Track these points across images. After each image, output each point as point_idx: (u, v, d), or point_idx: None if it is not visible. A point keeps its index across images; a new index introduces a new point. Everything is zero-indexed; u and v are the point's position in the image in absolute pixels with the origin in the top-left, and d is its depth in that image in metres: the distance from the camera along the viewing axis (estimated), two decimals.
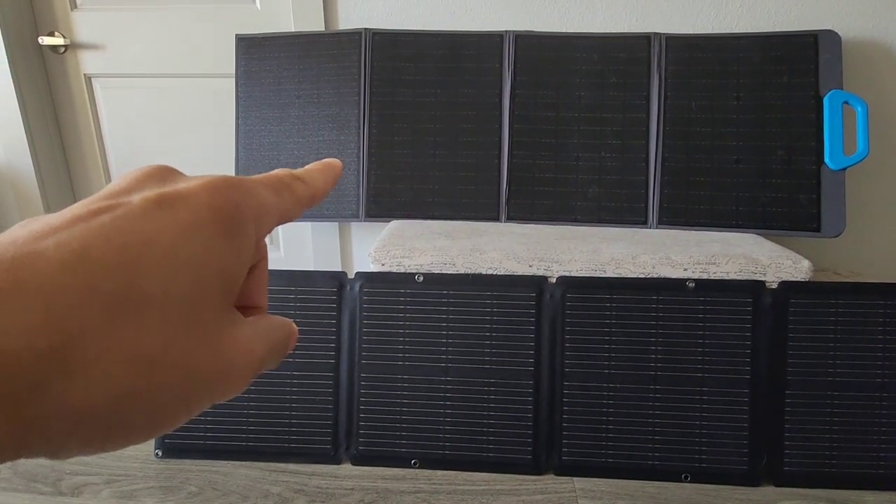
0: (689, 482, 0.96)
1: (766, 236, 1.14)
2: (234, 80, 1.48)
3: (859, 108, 1.13)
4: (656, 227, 1.20)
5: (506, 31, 1.27)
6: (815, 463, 0.93)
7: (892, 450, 0.86)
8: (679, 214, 1.19)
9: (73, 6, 1.47)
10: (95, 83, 1.54)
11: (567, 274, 0.99)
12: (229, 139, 1.54)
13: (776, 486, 0.95)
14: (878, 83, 1.29)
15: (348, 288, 1.02)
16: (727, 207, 1.18)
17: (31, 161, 1.49)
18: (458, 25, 1.33)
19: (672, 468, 0.96)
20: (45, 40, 1.45)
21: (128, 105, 1.55)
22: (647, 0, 1.30)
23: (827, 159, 1.14)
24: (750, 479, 0.95)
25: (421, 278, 0.99)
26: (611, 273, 0.98)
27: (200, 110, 1.54)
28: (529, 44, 1.26)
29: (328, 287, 1.02)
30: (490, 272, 1.00)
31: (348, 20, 1.35)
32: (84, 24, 1.48)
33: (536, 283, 0.98)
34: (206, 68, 1.49)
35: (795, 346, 0.94)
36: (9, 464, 0.98)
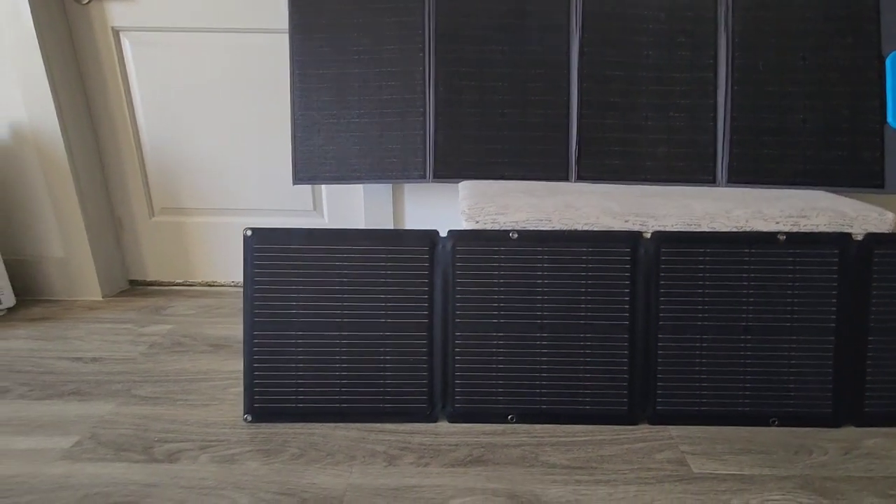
0: (777, 426, 1.00)
1: (831, 192, 1.18)
2: (274, 35, 1.42)
3: None
4: (725, 186, 1.23)
5: None
6: (894, 403, 0.98)
7: None
8: (747, 173, 1.22)
9: None
10: (124, 38, 1.43)
11: (662, 229, 1.00)
12: (270, 99, 1.47)
13: (857, 426, 1.00)
14: None
15: (440, 246, 1.01)
16: (794, 165, 1.21)
17: (57, 122, 1.39)
18: None
19: (761, 413, 1.00)
20: None
21: (160, 62, 1.45)
22: None
23: (890, 118, 1.18)
24: (834, 420, 1.00)
25: (515, 235, 0.99)
26: (705, 227, 0.99)
27: (239, 68, 1.46)
28: (597, 0, 1.25)
29: (420, 246, 1.00)
30: (586, 227, 1.00)
31: None
32: None
33: (631, 238, 0.99)
34: (246, 23, 1.41)
35: (878, 293, 0.98)
36: (89, 434, 0.94)
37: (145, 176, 1.57)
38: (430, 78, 1.25)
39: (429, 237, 1.00)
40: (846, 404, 1.00)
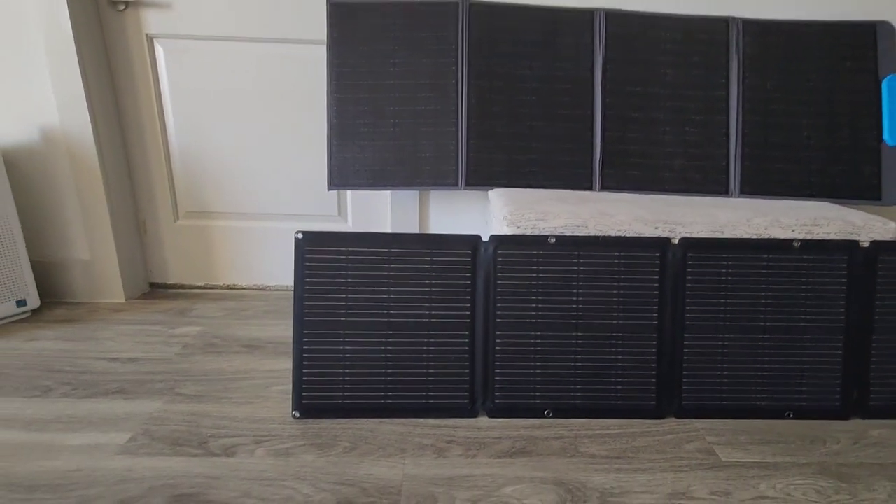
0: (792, 418, 1.08)
1: (834, 204, 1.28)
2: (303, 46, 1.47)
3: None
4: (738, 197, 1.32)
5: (597, 9, 1.33)
6: None
7: None
8: (758, 185, 1.31)
9: None
10: (157, 45, 1.46)
11: (689, 235, 1.08)
12: (298, 107, 1.52)
13: (863, 418, 1.09)
14: None
15: (483, 250, 1.07)
16: (800, 178, 1.30)
17: (90, 127, 1.41)
18: (551, 0, 1.37)
19: (777, 407, 1.08)
20: None
21: (192, 69, 1.49)
22: None
23: (886, 136, 1.29)
24: (842, 413, 1.09)
25: (553, 240, 1.05)
26: (728, 234, 1.08)
27: (268, 77, 1.50)
28: (619, 22, 1.33)
29: (464, 249, 1.06)
30: (619, 234, 1.07)
31: None
32: None
33: (660, 244, 1.06)
34: (277, 33, 1.46)
35: (882, 296, 1.07)
36: (141, 430, 0.97)
37: (172, 180, 1.59)
38: (462, 90, 1.31)
39: (472, 241, 1.06)
40: (853, 398, 1.09)
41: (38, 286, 1.52)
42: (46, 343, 1.35)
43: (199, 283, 1.72)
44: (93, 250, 1.54)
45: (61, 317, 1.50)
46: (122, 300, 1.60)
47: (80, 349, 1.32)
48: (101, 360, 1.27)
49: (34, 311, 1.50)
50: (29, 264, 1.45)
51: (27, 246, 1.51)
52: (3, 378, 1.18)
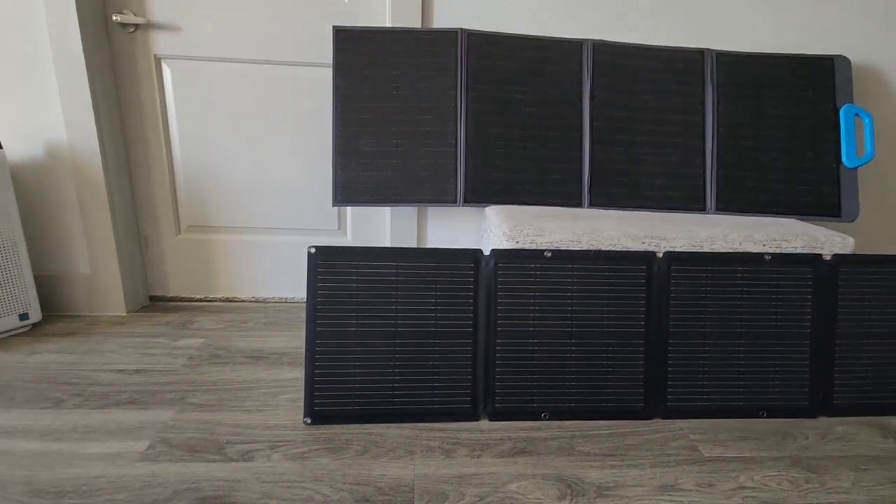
0: (765, 417, 1.18)
1: (799, 220, 1.40)
2: (313, 69, 1.54)
3: (867, 119, 1.42)
4: (714, 213, 1.43)
5: (585, 40, 1.44)
6: (858, 397, 1.19)
7: None
8: (732, 202, 1.43)
9: None
10: (165, 65, 1.51)
11: (672, 249, 1.18)
12: (299, 126, 1.59)
13: (829, 416, 1.20)
14: (880, 99, 1.60)
15: (484, 263, 1.14)
16: (769, 197, 1.42)
17: (97, 144, 1.45)
18: (541, 31, 1.48)
19: (753, 406, 1.18)
20: (118, 17, 1.41)
21: (197, 89, 1.54)
22: (699, 20, 1.52)
23: (844, 159, 1.42)
24: (810, 411, 1.19)
25: (549, 254, 1.14)
26: (707, 248, 1.18)
27: (271, 98, 1.56)
28: (605, 52, 1.44)
29: (467, 263, 1.14)
30: (609, 248, 1.17)
31: (442, 19, 1.45)
32: (159, 3, 1.45)
33: (646, 258, 1.16)
34: (281, 55, 1.53)
35: (843, 304, 1.19)
36: (158, 438, 1.02)
37: (175, 195, 1.63)
38: (461, 113, 1.40)
39: (474, 255, 1.14)
40: (820, 398, 1.20)
41: (39, 299, 1.53)
42: (50, 356, 1.37)
43: (199, 296, 1.75)
44: (95, 264, 1.56)
45: (62, 330, 1.51)
46: (124, 313, 1.62)
47: (84, 361, 1.35)
48: (108, 372, 1.29)
49: (35, 325, 1.52)
50: (32, 278, 1.46)
51: (30, 259, 1.53)
52: (12, 390, 1.20)
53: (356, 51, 1.38)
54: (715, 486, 0.96)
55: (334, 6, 1.50)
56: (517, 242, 1.13)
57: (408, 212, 1.60)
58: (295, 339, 1.52)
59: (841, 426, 1.17)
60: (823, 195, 1.42)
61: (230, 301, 1.77)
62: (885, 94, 1.58)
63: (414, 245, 1.65)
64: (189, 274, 1.72)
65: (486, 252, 1.26)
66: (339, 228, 1.70)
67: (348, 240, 1.71)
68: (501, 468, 0.99)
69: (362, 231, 1.70)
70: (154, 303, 1.75)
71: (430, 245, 1.66)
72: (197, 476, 0.94)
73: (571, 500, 0.91)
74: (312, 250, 1.11)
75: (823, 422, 1.19)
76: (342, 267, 1.11)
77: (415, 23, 1.44)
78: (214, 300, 1.76)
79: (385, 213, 1.64)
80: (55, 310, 1.60)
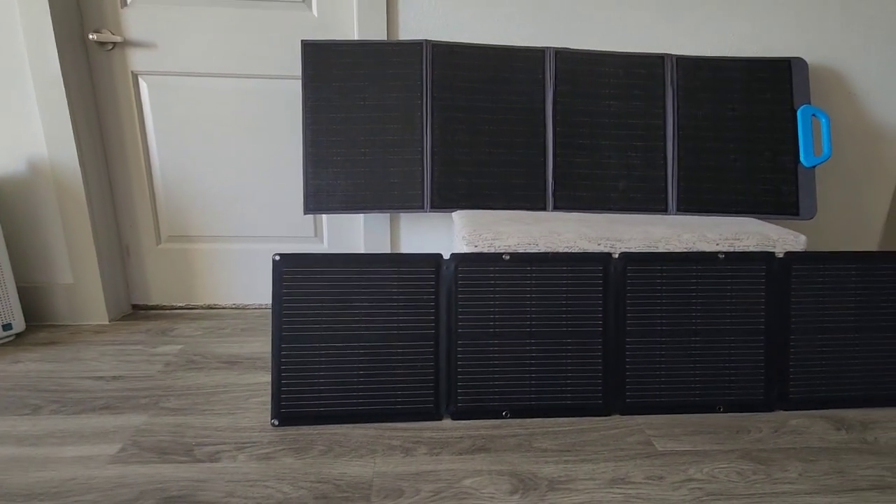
0: (722, 412, 1.22)
1: (758, 219, 1.44)
2: (285, 82, 1.58)
3: (823, 119, 1.45)
4: (676, 214, 1.47)
5: (547, 48, 1.48)
6: (813, 390, 1.22)
7: (870, 376, 1.17)
8: (692, 203, 1.46)
9: (123, 4, 1.49)
10: (142, 81, 1.56)
11: (627, 250, 1.21)
12: (273, 138, 1.63)
13: (784, 410, 1.23)
14: (837, 99, 1.64)
15: (444, 267, 1.18)
16: (728, 197, 1.46)
17: (76, 158, 1.49)
18: (504, 40, 1.52)
19: (709, 402, 1.22)
20: (95, 36, 1.46)
21: (174, 102, 1.58)
22: (658, 26, 1.56)
23: (802, 159, 1.46)
24: (766, 406, 1.22)
25: (508, 257, 1.18)
26: (661, 248, 1.21)
27: (245, 110, 1.61)
28: (567, 59, 1.48)
29: (427, 267, 1.18)
30: (566, 250, 1.20)
31: (407, 31, 1.50)
32: (135, 22, 1.50)
33: (602, 259, 1.20)
34: (254, 69, 1.57)
35: (796, 301, 1.22)
36: (130, 441, 1.05)
37: (155, 206, 1.68)
38: (427, 121, 1.44)
39: (435, 259, 1.18)
40: (775, 392, 1.23)
41: (23, 310, 1.58)
42: (31, 365, 1.41)
43: (180, 304, 1.79)
44: (77, 275, 1.60)
45: (45, 339, 1.56)
46: (106, 322, 1.66)
47: (65, 369, 1.39)
48: (87, 379, 1.33)
49: (18, 335, 1.56)
50: (15, 289, 1.51)
51: (13, 271, 1.57)
52: None
53: (324, 63, 1.43)
54: (664, 478, 0.99)
55: (305, 20, 1.55)
56: (476, 246, 1.17)
57: (381, 219, 1.64)
58: (270, 344, 1.55)
59: (796, 419, 1.20)
60: (782, 194, 1.46)
61: (211, 308, 1.81)
62: (841, 94, 1.62)
63: (388, 251, 1.69)
64: (170, 282, 1.76)
65: None
66: (316, 235, 1.74)
67: (325, 247, 1.75)
68: (459, 465, 1.03)
69: (338, 238, 1.74)
70: (136, 311, 1.79)
71: (403, 251, 1.70)
72: (164, 477, 0.98)
73: (523, 494, 0.95)
74: (277, 258, 1.15)
75: (779, 415, 1.22)
76: (306, 273, 1.15)
77: (381, 35, 1.48)
78: (196, 307, 1.80)
79: (359, 220, 1.68)
80: (39, 320, 1.64)
